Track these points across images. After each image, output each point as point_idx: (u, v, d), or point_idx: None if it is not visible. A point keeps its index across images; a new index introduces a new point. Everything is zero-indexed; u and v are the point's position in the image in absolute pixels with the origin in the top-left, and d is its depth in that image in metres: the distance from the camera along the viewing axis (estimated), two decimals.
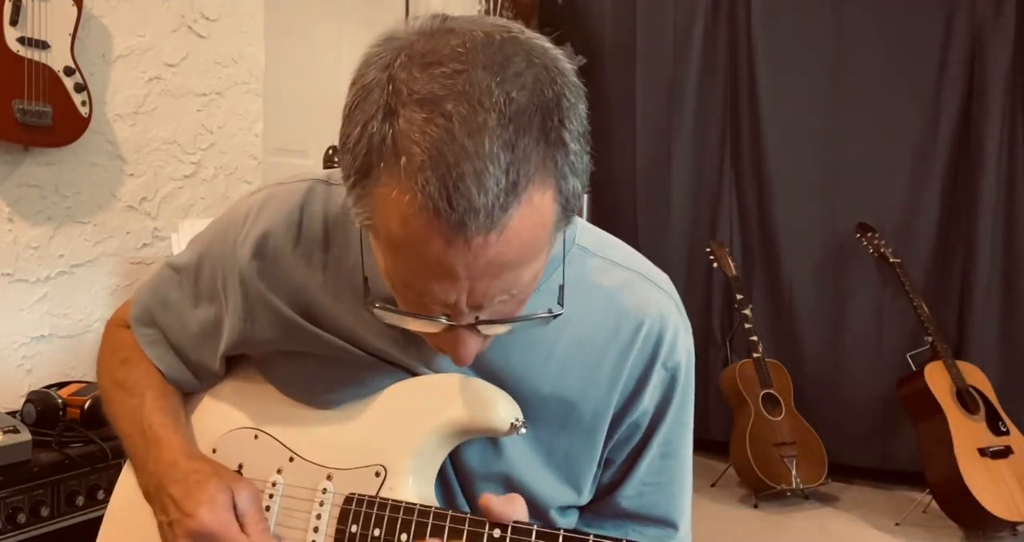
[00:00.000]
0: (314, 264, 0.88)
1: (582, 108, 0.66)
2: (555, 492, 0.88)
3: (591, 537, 0.72)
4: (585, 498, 0.91)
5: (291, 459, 0.91)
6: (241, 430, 0.96)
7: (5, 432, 1.74)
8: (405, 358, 0.86)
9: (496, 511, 0.74)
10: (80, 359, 2.36)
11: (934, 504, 3.06)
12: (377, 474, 0.85)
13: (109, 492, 1.93)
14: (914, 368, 3.17)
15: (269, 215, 0.89)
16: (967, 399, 3.04)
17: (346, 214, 0.84)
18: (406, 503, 0.82)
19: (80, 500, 1.81)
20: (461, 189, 0.59)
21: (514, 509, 0.74)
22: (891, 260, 3.31)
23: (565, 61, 0.66)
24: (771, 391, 3.39)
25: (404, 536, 0.80)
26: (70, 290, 2.34)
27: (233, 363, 1.00)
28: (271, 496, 0.91)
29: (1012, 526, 2.91)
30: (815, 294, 3.70)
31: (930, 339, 3.15)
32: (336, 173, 0.92)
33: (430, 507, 0.81)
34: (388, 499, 0.83)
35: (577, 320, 0.82)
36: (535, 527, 0.74)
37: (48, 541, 1.76)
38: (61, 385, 2.12)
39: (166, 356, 1.00)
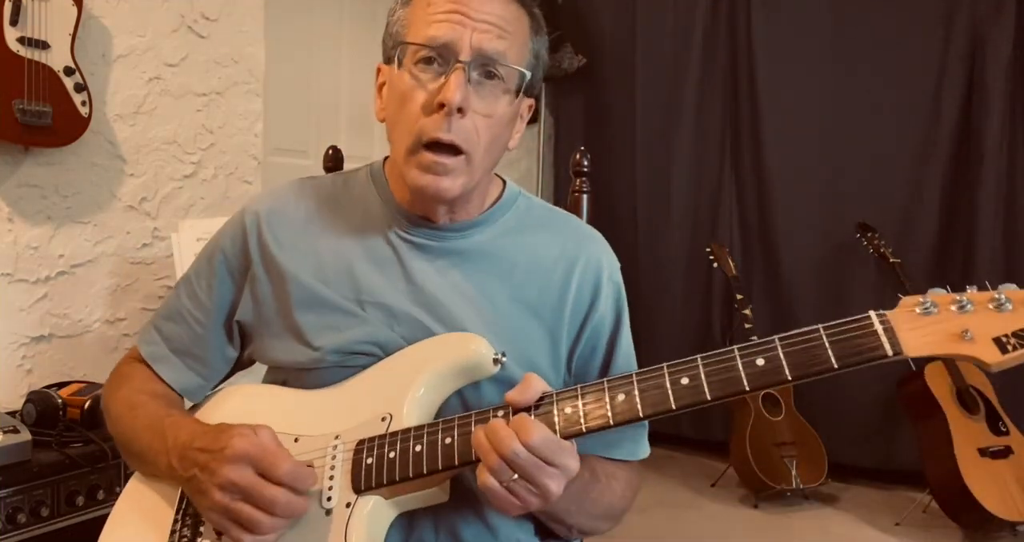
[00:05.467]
0: (313, 233, 1.06)
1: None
2: None
3: (578, 388, 0.86)
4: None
5: (296, 440, 0.95)
6: None
7: (5, 432, 1.74)
8: (400, 305, 1.00)
9: (521, 400, 0.87)
10: (80, 359, 2.36)
11: (934, 504, 3.06)
12: (383, 419, 0.93)
13: (109, 492, 1.94)
14: (914, 368, 3.16)
15: (271, 199, 1.10)
16: (967, 399, 3.04)
17: (335, 195, 1.10)
18: (415, 427, 0.90)
19: (80, 500, 1.82)
20: None
21: (533, 388, 0.87)
22: (891, 260, 3.30)
23: None
24: (771, 391, 3.39)
25: (418, 447, 0.88)
26: (70, 290, 2.34)
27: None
28: None
29: (1012, 526, 2.91)
30: (815, 294, 3.69)
31: None
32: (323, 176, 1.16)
33: (437, 420, 0.91)
34: (398, 431, 0.90)
35: (531, 242, 1.07)
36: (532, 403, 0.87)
37: (48, 541, 1.76)
38: (61, 385, 2.12)
39: (170, 366, 1.08)
